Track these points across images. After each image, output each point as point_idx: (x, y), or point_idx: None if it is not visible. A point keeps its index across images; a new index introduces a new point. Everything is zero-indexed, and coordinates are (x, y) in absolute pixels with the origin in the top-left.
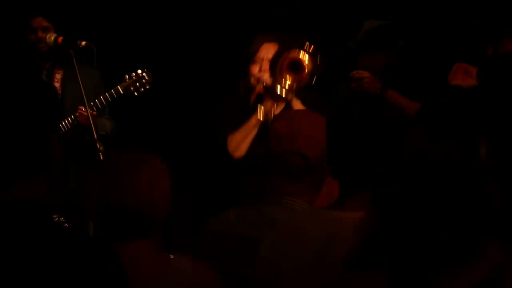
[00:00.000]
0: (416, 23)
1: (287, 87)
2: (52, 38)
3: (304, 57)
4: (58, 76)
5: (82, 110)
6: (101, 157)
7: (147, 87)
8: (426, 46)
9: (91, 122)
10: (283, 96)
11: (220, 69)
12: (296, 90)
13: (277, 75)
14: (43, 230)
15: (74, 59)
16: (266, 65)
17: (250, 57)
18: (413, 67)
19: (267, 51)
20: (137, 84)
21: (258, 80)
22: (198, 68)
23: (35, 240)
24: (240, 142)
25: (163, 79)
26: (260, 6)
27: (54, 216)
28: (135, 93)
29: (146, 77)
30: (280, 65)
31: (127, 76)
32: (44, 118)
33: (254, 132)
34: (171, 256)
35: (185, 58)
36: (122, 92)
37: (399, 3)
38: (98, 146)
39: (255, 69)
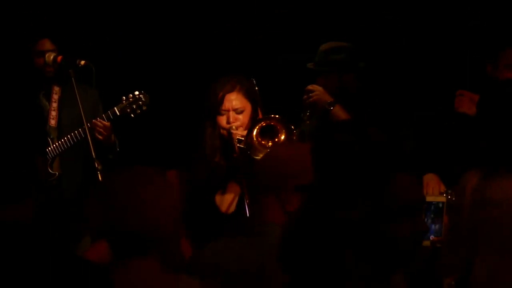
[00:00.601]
0: (381, 45)
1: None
2: (52, 57)
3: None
4: (55, 96)
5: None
6: (99, 176)
7: (144, 108)
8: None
9: (89, 140)
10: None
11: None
12: None
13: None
14: (30, 252)
15: (73, 79)
16: (233, 116)
17: (215, 109)
18: (374, 89)
19: (230, 103)
20: (134, 106)
21: (228, 132)
22: (198, 74)
23: (21, 263)
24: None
25: (163, 93)
26: (260, 6)
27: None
28: (132, 115)
29: (143, 99)
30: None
31: (124, 98)
32: (29, 142)
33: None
34: (178, 277)
35: (185, 64)
36: (118, 113)
37: (372, 21)
38: (96, 165)
39: (222, 120)
